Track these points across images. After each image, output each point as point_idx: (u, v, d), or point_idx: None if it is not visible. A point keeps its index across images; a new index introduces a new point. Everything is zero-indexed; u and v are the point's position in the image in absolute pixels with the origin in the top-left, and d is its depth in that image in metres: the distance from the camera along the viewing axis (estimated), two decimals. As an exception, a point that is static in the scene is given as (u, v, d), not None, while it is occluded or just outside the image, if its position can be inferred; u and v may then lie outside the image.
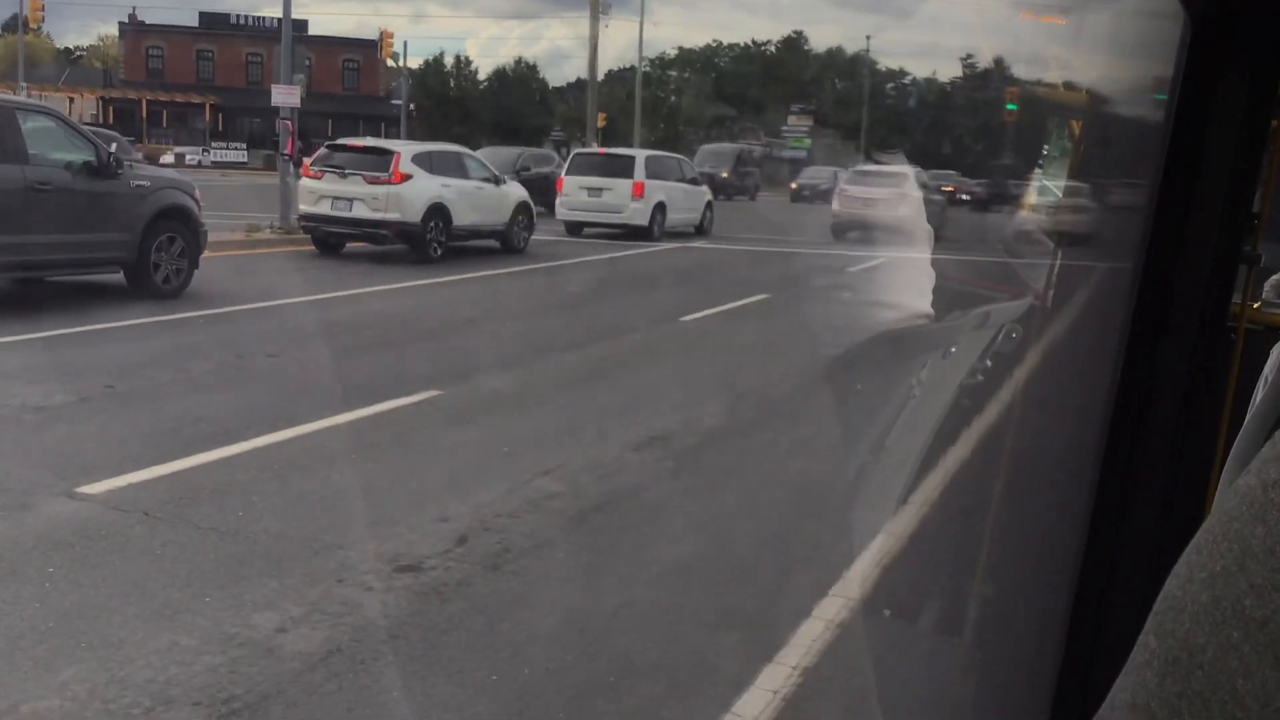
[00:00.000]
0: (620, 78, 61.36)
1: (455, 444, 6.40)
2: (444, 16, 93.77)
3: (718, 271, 16.86)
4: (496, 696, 3.42)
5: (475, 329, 10.63)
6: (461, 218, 15.83)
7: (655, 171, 20.82)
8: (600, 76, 48.40)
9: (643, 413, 7.20)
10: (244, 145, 49.12)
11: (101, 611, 3.82)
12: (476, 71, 67.10)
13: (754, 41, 67.94)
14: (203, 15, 57.78)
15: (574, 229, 20.57)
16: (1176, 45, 1.32)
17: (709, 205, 22.56)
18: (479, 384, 7.99)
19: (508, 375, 8.29)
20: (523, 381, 8.18)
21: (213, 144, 49.24)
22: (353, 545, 4.61)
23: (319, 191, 15.30)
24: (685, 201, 21.61)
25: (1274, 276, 1.49)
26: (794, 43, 66.71)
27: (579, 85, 60.83)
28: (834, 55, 65.24)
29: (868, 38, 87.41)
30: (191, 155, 44.78)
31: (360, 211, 15.06)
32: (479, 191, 16.44)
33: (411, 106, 50.42)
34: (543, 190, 20.80)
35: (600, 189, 20.19)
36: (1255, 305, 1.48)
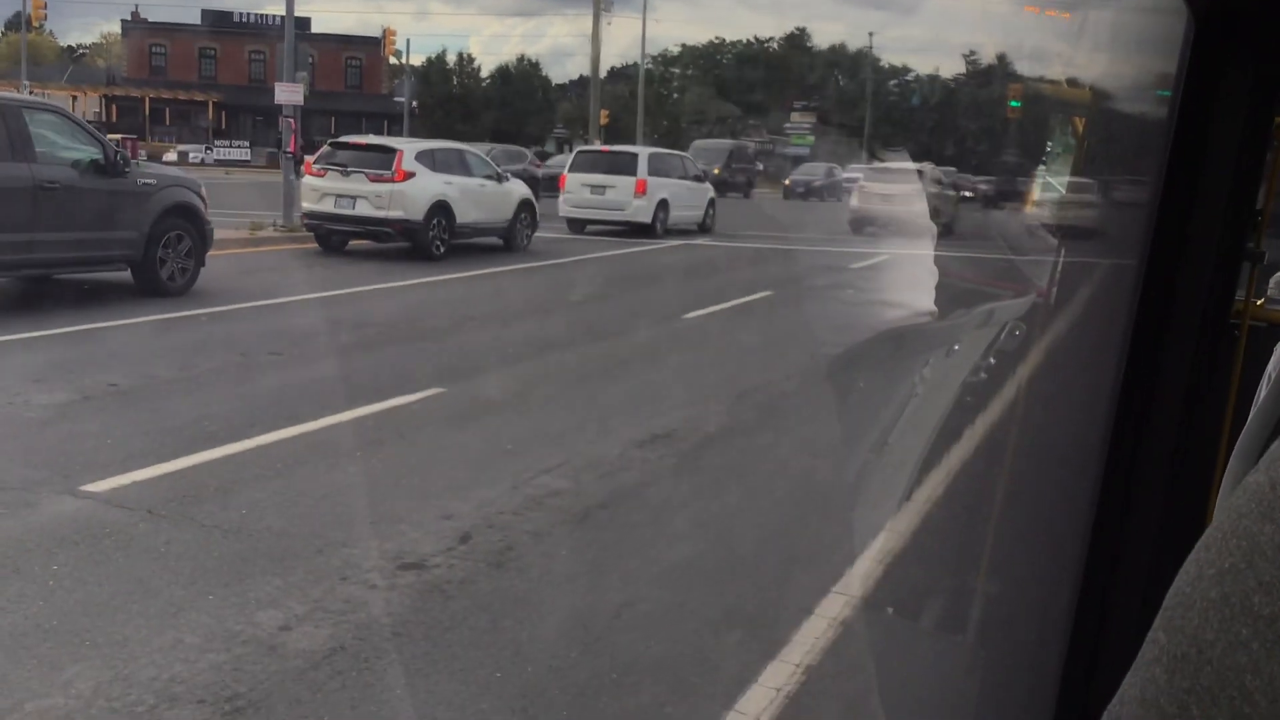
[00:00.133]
0: (623, 75, 61.37)
1: (458, 442, 6.41)
2: (447, 14, 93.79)
3: (720, 269, 16.86)
4: (500, 694, 3.42)
5: (478, 327, 10.63)
6: (464, 215, 15.83)
7: (658, 169, 20.81)
8: (603, 74, 48.45)
9: (645, 411, 7.20)
10: (247, 143, 49.18)
11: (105, 609, 3.83)
12: (479, 69, 67.21)
13: (757, 38, 67.90)
14: (206, 13, 57.85)
15: (577, 226, 20.58)
16: (1180, 42, 1.32)
17: (712, 202, 22.55)
18: (482, 382, 8.00)
19: (511, 373, 8.30)
20: (526, 379, 8.19)
21: (216, 142, 49.30)
22: (356, 543, 4.62)
23: (322, 189, 15.32)
24: (688, 199, 21.60)
25: (1278, 274, 1.49)
26: (797, 39, 66.65)
27: (582, 83, 60.86)
28: (837, 52, 65.25)
29: (871, 34, 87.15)
30: (195, 153, 44.85)
31: (363, 209, 15.08)
32: (482, 189, 16.44)
33: (414, 104, 50.47)
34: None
35: (603, 186, 20.19)
36: (1259, 302, 1.48)
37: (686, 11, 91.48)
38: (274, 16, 53.74)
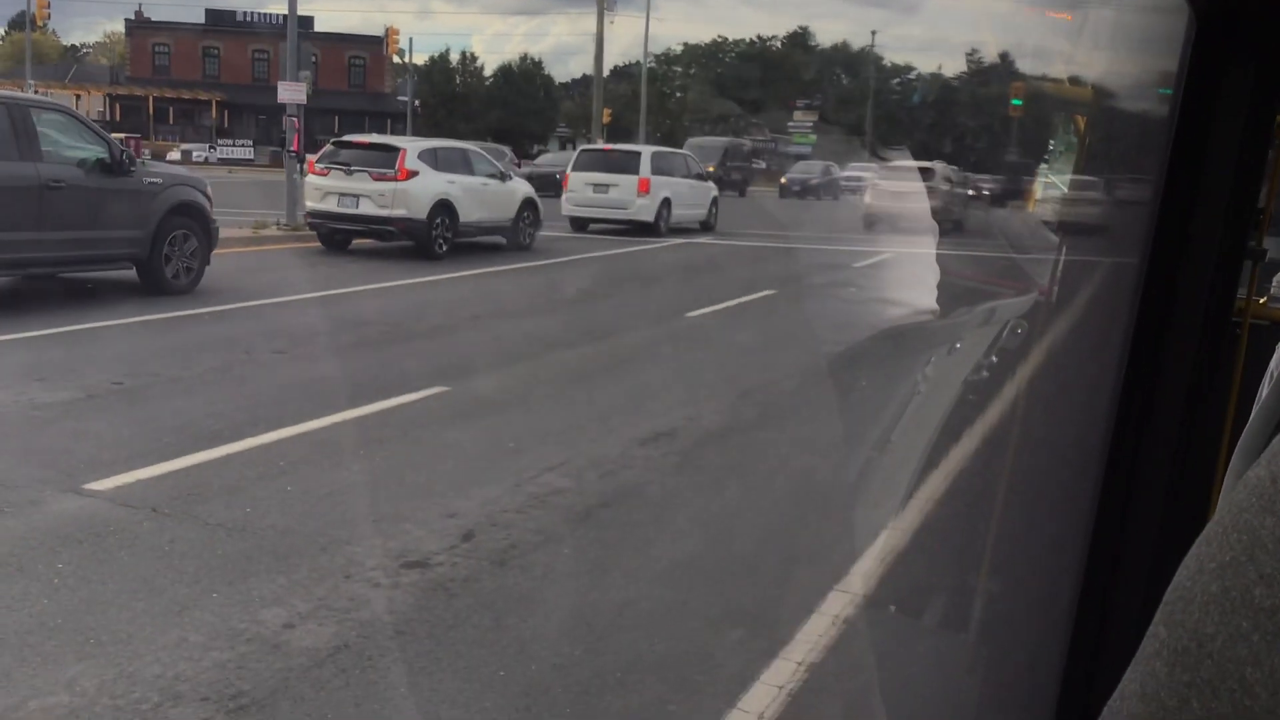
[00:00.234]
0: (626, 74, 61.27)
1: (461, 440, 6.41)
2: (449, 13, 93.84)
3: (723, 267, 16.85)
4: (503, 692, 3.43)
5: (480, 325, 10.64)
6: (467, 214, 15.84)
7: (661, 167, 20.80)
8: (606, 73, 48.38)
9: (647, 409, 7.20)
10: (250, 142, 49.19)
11: (109, 607, 3.84)
12: (482, 68, 67.08)
13: (759, 37, 67.83)
14: (209, 12, 57.86)
15: (580, 225, 20.57)
16: (1181, 40, 1.32)
17: (715, 201, 22.54)
18: (485, 380, 8.00)
19: (513, 371, 8.30)
20: (528, 377, 8.19)
21: (219, 141, 49.31)
22: (360, 541, 4.62)
23: (325, 188, 15.33)
24: (691, 197, 21.59)
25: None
26: (799, 38, 66.60)
27: (584, 81, 60.86)
28: (839, 50, 65.18)
29: (873, 33, 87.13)
30: (198, 152, 44.88)
31: (366, 208, 15.08)
32: (484, 188, 16.45)
33: (417, 103, 50.45)
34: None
35: (606, 185, 20.18)
36: (1260, 300, 1.48)
37: (689, 10, 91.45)
38: (277, 15, 53.69)
